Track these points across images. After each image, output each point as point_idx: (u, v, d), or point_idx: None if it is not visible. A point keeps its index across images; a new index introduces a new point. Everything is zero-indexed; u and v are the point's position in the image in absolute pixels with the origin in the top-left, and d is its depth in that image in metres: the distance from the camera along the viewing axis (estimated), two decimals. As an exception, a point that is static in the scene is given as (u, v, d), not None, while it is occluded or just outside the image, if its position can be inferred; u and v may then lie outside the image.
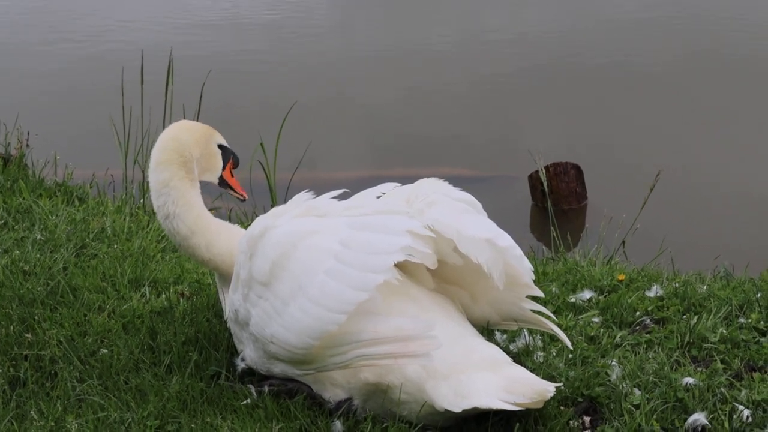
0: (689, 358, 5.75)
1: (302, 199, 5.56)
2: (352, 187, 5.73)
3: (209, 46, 15.45)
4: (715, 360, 5.69)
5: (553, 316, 5.63)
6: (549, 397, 4.96)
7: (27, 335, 5.90)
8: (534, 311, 5.56)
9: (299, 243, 5.22)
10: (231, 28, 16.56)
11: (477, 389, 4.93)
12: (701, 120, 12.95)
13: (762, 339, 5.90)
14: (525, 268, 5.40)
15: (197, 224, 5.74)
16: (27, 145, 9.65)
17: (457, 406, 4.93)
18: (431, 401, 5.00)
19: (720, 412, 5.29)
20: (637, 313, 6.22)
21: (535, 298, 5.57)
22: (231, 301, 5.56)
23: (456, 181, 5.66)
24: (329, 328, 5.07)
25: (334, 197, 5.53)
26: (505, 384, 4.93)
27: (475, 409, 4.92)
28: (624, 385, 5.42)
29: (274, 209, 5.58)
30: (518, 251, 5.35)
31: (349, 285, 5.03)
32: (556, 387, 5.03)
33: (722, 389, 5.40)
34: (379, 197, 5.54)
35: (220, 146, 5.98)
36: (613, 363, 5.61)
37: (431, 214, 5.30)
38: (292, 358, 5.24)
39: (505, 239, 5.30)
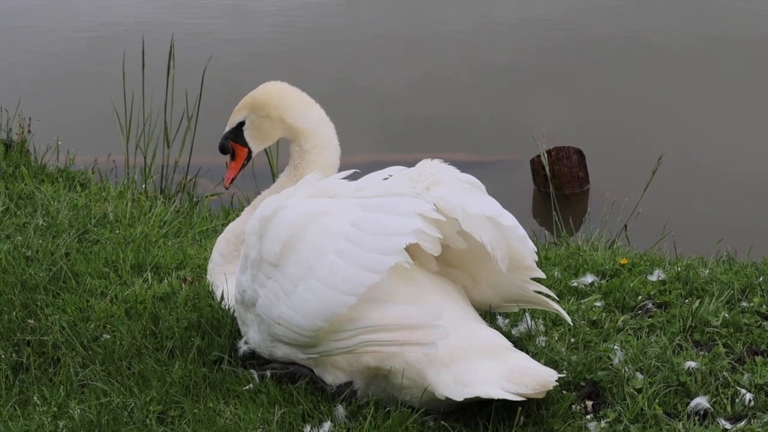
0: (691, 342, 5.75)
1: (312, 180, 5.55)
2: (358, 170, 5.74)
3: (212, 31, 15.43)
4: (718, 344, 5.70)
5: (553, 295, 5.63)
6: (551, 387, 4.96)
7: (29, 321, 5.91)
8: (536, 291, 5.55)
9: (310, 224, 5.22)
10: (234, 11, 16.54)
11: (478, 378, 4.92)
12: (704, 103, 12.93)
13: (764, 323, 5.90)
14: (528, 250, 5.39)
15: None
16: (29, 131, 9.64)
17: (459, 394, 4.92)
18: (432, 388, 5.00)
19: (722, 395, 5.29)
20: (640, 297, 6.22)
21: (537, 280, 5.57)
22: (238, 281, 5.56)
23: (458, 166, 5.65)
24: (339, 309, 5.06)
25: (344, 178, 5.53)
26: (508, 373, 4.92)
27: (476, 398, 4.92)
28: (626, 369, 5.43)
29: (285, 190, 5.59)
30: (522, 231, 5.35)
31: (360, 266, 5.03)
32: (559, 377, 5.03)
33: (724, 373, 5.40)
34: (386, 179, 5.54)
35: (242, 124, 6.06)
36: (616, 347, 5.62)
37: (437, 191, 5.29)
38: (298, 340, 5.24)
39: (508, 218, 5.30)
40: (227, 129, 6.12)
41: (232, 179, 6.18)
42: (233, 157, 6.14)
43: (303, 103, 6.05)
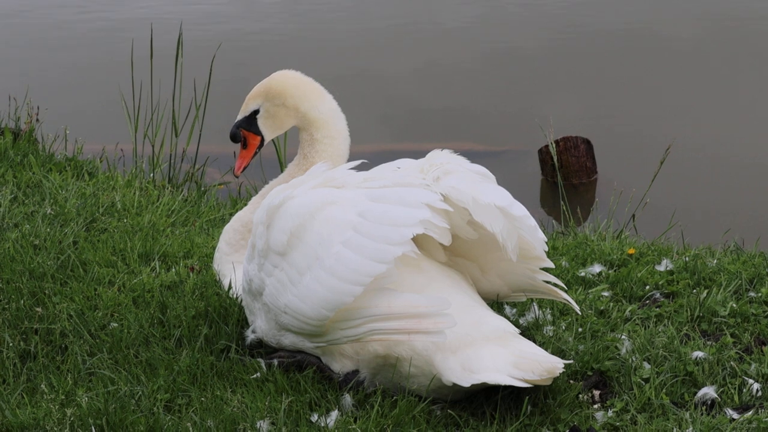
0: (699, 332, 5.75)
1: (320, 170, 5.55)
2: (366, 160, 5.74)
3: (221, 19, 15.42)
4: (725, 334, 5.69)
5: (562, 284, 5.63)
6: (558, 375, 4.96)
7: (37, 309, 5.92)
8: (544, 281, 5.55)
9: (317, 214, 5.22)
10: (243, 0, 16.52)
11: (486, 364, 4.93)
12: (713, 93, 12.90)
13: (772, 313, 5.90)
14: (538, 240, 5.39)
15: None
16: (37, 120, 9.64)
17: (466, 380, 4.93)
18: (440, 375, 5.01)
19: (730, 385, 5.29)
20: (647, 287, 6.21)
21: (546, 270, 5.56)
22: (245, 270, 5.57)
23: (466, 155, 5.65)
24: (345, 299, 5.07)
25: (352, 168, 5.53)
26: (515, 360, 4.93)
27: (483, 384, 4.93)
28: (634, 359, 5.43)
29: (293, 180, 5.59)
30: (532, 221, 5.35)
31: (366, 257, 5.03)
32: (566, 364, 5.03)
33: (732, 363, 5.40)
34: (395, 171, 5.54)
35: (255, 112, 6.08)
36: (623, 337, 5.61)
37: (448, 181, 5.29)
38: (305, 329, 5.25)
39: (519, 208, 5.30)
40: (240, 117, 6.11)
41: (244, 167, 6.18)
42: (245, 146, 6.14)
43: (317, 93, 6.06)
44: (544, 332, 5.70)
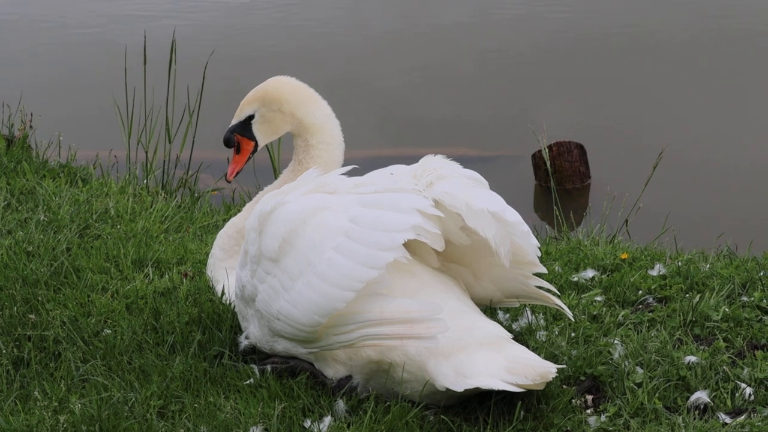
0: (692, 336, 5.76)
1: (312, 175, 5.56)
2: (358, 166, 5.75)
3: (214, 26, 15.43)
4: (718, 338, 5.70)
5: (555, 290, 5.63)
6: (551, 379, 4.97)
7: (30, 316, 5.92)
8: (537, 287, 5.55)
9: (309, 219, 5.22)
10: (236, 6, 16.53)
11: (479, 369, 4.94)
12: (706, 97, 12.92)
13: (765, 317, 5.90)
14: (531, 245, 5.39)
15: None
16: (30, 126, 9.64)
17: (459, 385, 4.93)
18: (433, 380, 5.01)
19: (722, 390, 5.30)
20: (640, 291, 6.22)
21: (539, 275, 5.57)
22: (238, 276, 5.57)
23: (460, 160, 5.65)
24: (337, 305, 5.07)
25: (343, 174, 5.54)
26: (508, 364, 4.94)
27: (476, 389, 4.93)
28: (626, 364, 5.43)
29: (285, 186, 5.60)
30: (525, 227, 5.35)
31: (358, 262, 5.03)
32: (559, 368, 5.04)
33: (724, 367, 5.41)
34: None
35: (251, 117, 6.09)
36: (616, 342, 5.62)
37: (441, 186, 5.29)
38: (297, 335, 5.25)
39: (512, 214, 5.31)
40: (234, 122, 6.13)
41: (237, 172, 6.20)
42: (238, 151, 6.15)
43: (312, 99, 6.08)
44: (537, 337, 5.70)
